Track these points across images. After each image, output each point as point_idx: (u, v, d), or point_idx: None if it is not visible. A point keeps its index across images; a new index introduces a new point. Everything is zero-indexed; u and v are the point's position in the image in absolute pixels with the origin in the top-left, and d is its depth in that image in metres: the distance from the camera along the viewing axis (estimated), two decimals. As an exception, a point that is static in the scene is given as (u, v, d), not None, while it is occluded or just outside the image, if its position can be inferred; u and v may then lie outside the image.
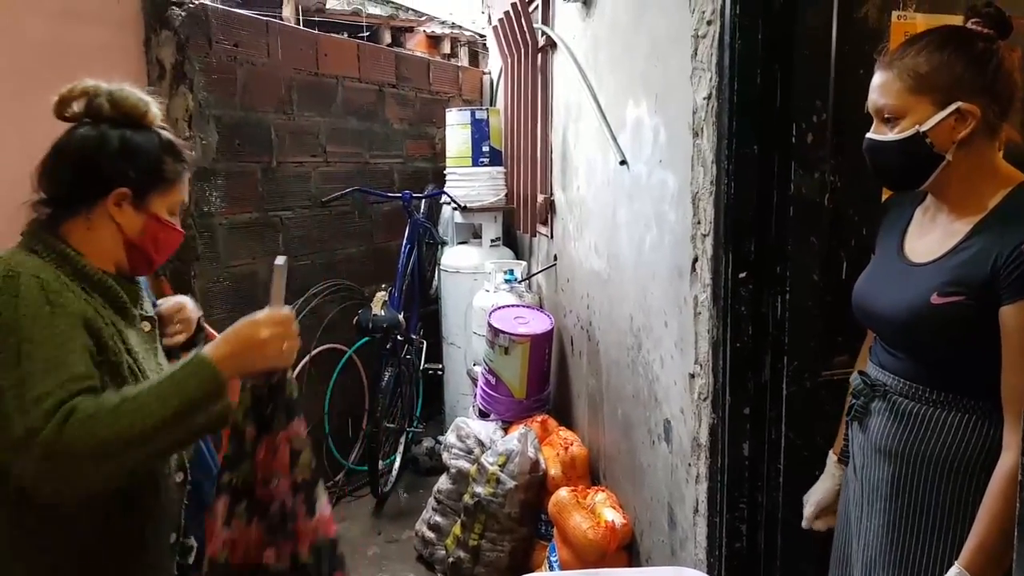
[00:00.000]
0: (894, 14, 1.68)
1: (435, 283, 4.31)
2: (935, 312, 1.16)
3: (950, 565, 1.18)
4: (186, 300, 1.49)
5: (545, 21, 3.48)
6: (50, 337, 1.05)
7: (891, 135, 1.20)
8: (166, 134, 1.27)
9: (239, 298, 3.11)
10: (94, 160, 1.19)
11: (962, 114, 1.16)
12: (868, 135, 1.26)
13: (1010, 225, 1.13)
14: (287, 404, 1.19)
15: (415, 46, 5.65)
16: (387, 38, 5.56)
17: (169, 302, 1.46)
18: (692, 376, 1.84)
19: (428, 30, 5.72)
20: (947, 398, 1.21)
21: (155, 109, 1.26)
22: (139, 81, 2.83)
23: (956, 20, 1.71)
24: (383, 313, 3.40)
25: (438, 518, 2.98)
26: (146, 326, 1.28)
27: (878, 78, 1.23)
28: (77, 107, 1.23)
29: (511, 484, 2.67)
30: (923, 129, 1.17)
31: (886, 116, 1.21)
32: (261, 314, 1.17)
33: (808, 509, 1.54)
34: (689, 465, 1.89)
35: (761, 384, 1.69)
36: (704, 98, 1.75)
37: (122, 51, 2.73)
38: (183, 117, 2.91)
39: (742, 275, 1.67)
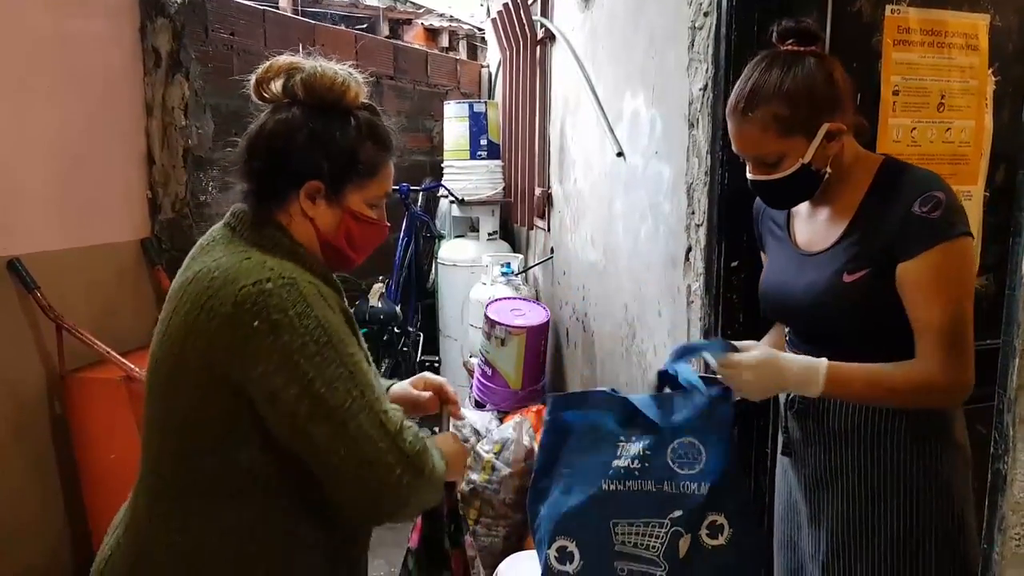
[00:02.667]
0: (887, 8, 1.70)
1: (432, 276, 4.33)
2: (848, 289, 1.25)
3: (915, 536, 1.26)
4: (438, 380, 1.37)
5: (544, 13, 3.49)
6: (356, 349, 1.02)
7: (777, 175, 1.27)
8: (367, 117, 1.12)
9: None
10: (284, 151, 1.06)
11: (830, 133, 1.24)
12: (751, 177, 1.32)
13: (888, 199, 1.25)
14: (460, 517, 1.32)
15: (413, 38, 5.65)
16: (385, 30, 5.57)
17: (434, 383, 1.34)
18: (685, 364, 1.87)
19: (426, 23, 5.73)
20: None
21: (355, 89, 1.10)
22: (134, 69, 2.87)
23: (948, 14, 1.75)
24: (380, 305, 3.42)
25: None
26: None
27: (741, 131, 1.28)
28: (275, 87, 1.09)
29: (506, 471, 2.69)
30: (805, 161, 1.25)
31: (767, 162, 1.28)
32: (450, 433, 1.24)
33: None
34: (681, 452, 1.91)
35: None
36: (700, 89, 1.77)
37: (117, 39, 2.75)
38: (179, 105, 2.92)
39: (734, 264, 1.69)
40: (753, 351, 1.23)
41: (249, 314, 0.95)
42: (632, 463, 1.25)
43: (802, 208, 1.40)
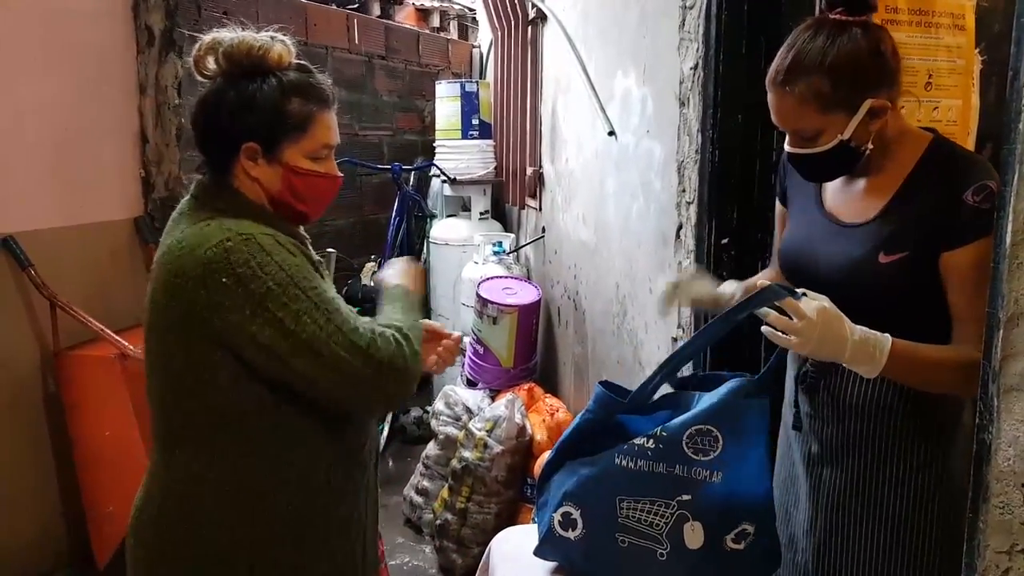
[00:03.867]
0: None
1: (424, 255, 4.35)
2: (883, 270, 1.21)
3: (914, 514, 1.25)
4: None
5: (535, -7, 3.48)
6: (318, 282, 1.11)
7: (814, 149, 1.23)
8: (292, 76, 1.17)
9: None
10: (214, 117, 1.15)
11: (873, 110, 1.19)
12: (788, 148, 1.27)
13: (936, 182, 1.20)
14: None
15: (404, 18, 5.61)
16: (376, 10, 5.52)
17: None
18: (675, 340, 1.90)
19: (417, 3, 5.69)
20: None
21: (278, 51, 1.16)
22: (127, 47, 2.85)
23: (937, -6, 1.76)
24: (373, 284, 3.44)
25: (426, 483, 3.04)
26: None
27: (780, 104, 1.23)
28: (210, 64, 1.17)
29: (498, 449, 2.73)
30: (845, 138, 1.20)
31: (805, 136, 1.23)
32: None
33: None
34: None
35: (741, 347, 1.74)
36: (691, 68, 1.79)
37: (110, 16, 2.73)
38: (172, 84, 2.91)
39: (724, 241, 1.72)
40: (818, 301, 1.14)
41: (217, 272, 1.05)
42: (647, 442, 1.26)
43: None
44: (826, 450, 1.34)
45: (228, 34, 1.16)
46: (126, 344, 2.41)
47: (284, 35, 1.19)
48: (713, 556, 1.27)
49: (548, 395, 3.12)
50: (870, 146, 1.22)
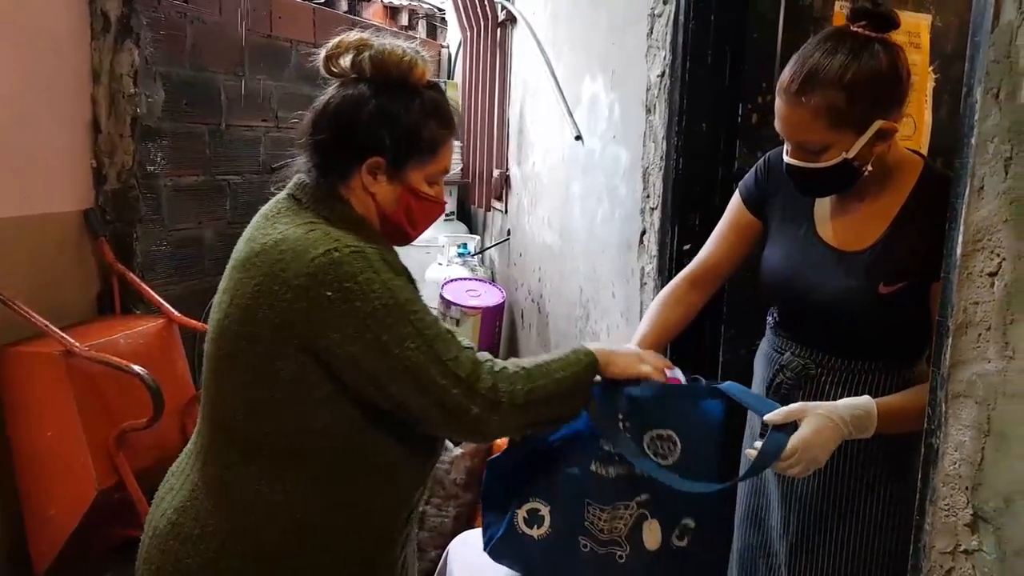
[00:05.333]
0: (837, 3, 1.75)
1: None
2: (883, 300, 1.20)
3: (888, 520, 1.26)
4: None
5: (505, -5, 3.48)
6: (421, 305, 1.06)
7: (816, 164, 1.19)
8: (432, 96, 1.13)
9: (182, 262, 3.06)
10: (349, 125, 1.09)
11: (882, 131, 1.17)
12: (789, 160, 1.23)
13: (931, 209, 1.17)
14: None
15: (372, 15, 5.57)
16: (343, 6, 5.47)
17: None
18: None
19: (386, 0, 5.65)
20: (880, 366, 1.28)
21: (422, 67, 1.12)
22: (81, 33, 2.77)
23: (896, 10, 1.80)
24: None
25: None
26: None
27: (791, 114, 1.18)
28: (344, 63, 1.11)
29: (457, 451, 2.71)
30: (849, 156, 1.17)
31: (809, 149, 1.19)
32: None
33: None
34: (630, 431, 1.96)
35: (701, 351, 1.76)
36: (658, 76, 1.80)
37: (64, 1, 2.64)
38: (128, 72, 2.83)
39: (687, 247, 1.73)
40: (803, 424, 1.11)
41: (322, 284, 1.00)
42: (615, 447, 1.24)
43: (830, 198, 1.31)
44: None
45: (377, 38, 1.11)
46: (72, 341, 2.33)
47: (423, 50, 1.14)
48: (666, 555, 1.27)
49: (509, 398, 3.11)
50: (870, 167, 1.20)
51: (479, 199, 4.06)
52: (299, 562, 1.09)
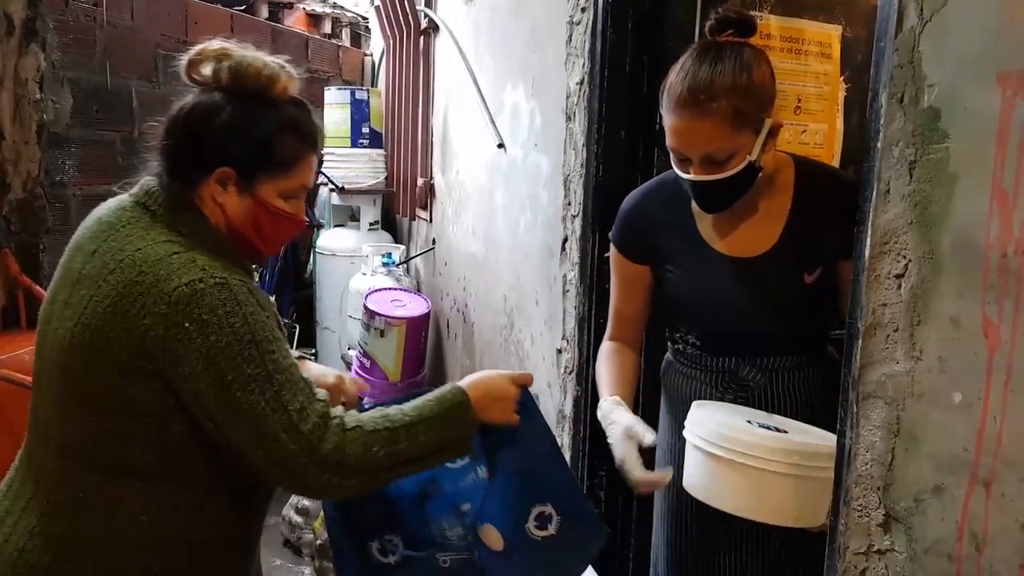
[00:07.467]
0: (752, 14, 1.80)
1: (309, 266, 4.20)
2: (810, 288, 1.27)
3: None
4: (342, 375, 1.40)
5: (428, 4, 3.46)
6: (280, 347, 1.02)
7: (725, 173, 1.19)
8: (291, 111, 1.11)
9: (92, 274, 2.91)
10: (199, 133, 1.07)
11: (772, 128, 1.21)
12: (694, 178, 1.21)
13: (819, 196, 1.27)
14: None
15: (294, 23, 5.45)
16: (264, 12, 5.33)
17: (328, 379, 1.34)
18: (559, 351, 1.90)
19: (308, 8, 5.54)
20: (804, 359, 1.34)
21: (284, 82, 1.10)
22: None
23: (805, 24, 1.87)
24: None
25: (306, 502, 2.92)
26: None
27: (694, 128, 1.18)
28: (206, 71, 1.09)
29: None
30: (753, 158, 1.19)
31: (715, 160, 1.19)
32: (509, 372, 1.24)
33: (636, 474, 1.28)
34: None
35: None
36: (577, 83, 1.81)
37: (-39, 1, 2.49)
38: (34, 77, 2.68)
39: (608, 254, 1.73)
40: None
41: (182, 315, 0.97)
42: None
43: (704, 213, 1.32)
44: None
45: (238, 48, 1.09)
46: (-35, 358, 2.18)
47: (293, 66, 1.12)
48: (521, 549, 1.24)
49: (436, 409, 3.07)
50: (762, 166, 1.22)
51: (403, 208, 4.01)
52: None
